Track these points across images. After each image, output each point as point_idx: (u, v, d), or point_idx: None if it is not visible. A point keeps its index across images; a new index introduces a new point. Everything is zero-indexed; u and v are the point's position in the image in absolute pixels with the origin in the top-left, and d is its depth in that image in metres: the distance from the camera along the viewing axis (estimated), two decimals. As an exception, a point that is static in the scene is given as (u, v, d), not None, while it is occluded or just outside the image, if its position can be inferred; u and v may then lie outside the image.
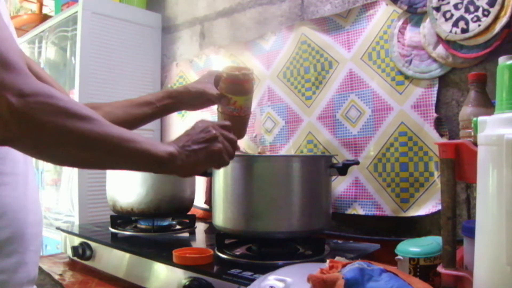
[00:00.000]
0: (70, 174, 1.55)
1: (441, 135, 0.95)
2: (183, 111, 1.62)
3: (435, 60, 0.96)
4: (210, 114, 1.48)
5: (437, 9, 0.93)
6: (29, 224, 0.64)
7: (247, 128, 0.91)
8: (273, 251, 0.84)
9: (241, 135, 0.89)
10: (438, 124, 0.96)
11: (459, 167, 0.61)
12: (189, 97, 0.87)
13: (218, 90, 0.86)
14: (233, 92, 0.84)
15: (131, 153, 0.56)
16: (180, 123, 1.64)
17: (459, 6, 0.90)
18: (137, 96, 0.88)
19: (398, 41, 1.01)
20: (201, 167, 0.66)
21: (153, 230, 1.08)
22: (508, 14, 0.83)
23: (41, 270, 0.97)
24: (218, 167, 0.70)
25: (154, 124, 1.69)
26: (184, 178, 1.15)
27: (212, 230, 1.12)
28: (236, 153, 0.72)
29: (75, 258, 1.03)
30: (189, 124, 1.59)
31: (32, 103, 0.45)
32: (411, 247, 0.72)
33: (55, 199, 1.66)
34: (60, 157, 0.53)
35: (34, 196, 0.67)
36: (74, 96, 1.52)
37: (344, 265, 0.51)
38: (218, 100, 0.86)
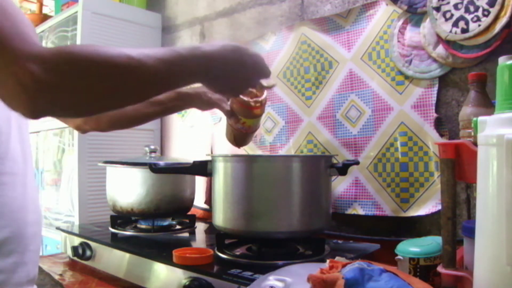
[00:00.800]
0: (70, 174, 1.55)
1: (441, 135, 0.95)
2: (183, 112, 1.62)
3: (435, 60, 0.96)
4: (210, 113, 1.48)
5: (437, 9, 0.93)
6: (29, 223, 0.64)
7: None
8: (273, 251, 0.84)
9: (243, 145, 0.93)
10: (438, 124, 0.96)
11: (459, 167, 0.61)
12: (200, 103, 0.89)
13: (230, 106, 0.87)
14: (243, 115, 0.85)
15: (172, 75, 0.56)
16: (180, 122, 1.64)
17: (459, 6, 0.90)
18: None
19: (398, 41, 1.01)
20: (235, 81, 0.66)
21: (153, 230, 1.08)
22: (508, 14, 0.83)
23: (41, 270, 0.97)
24: (262, 77, 0.70)
25: (154, 124, 1.69)
26: (184, 178, 1.15)
27: (212, 230, 1.12)
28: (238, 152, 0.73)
29: (75, 258, 1.03)
30: (189, 124, 1.59)
31: (54, 67, 0.44)
32: (411, 247, 0.72)
33: (55, 199, 1.66)
34: (94, 108, 0.52)
35: (33, 196, 0.67)
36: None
37: (344, 265, 0.51)
38: (229, 116, 0.87)
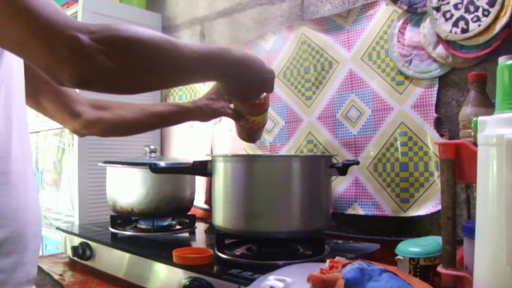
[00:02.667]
0: (70, 174, 1.55)
1: (441, 135, 0.95)
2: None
3: (435, 60, 0.96)
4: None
5: (437, 9, 0.93)
6: (29, 223, 0.64)
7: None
8: (273, 251, 0.84)
9: (258, 139, 0.92)
10: (438, 124, 0.96)
11: (459, 167, 0.61)
12: (201, 115, 0.90)
13: (234, 106, 0.86)
14: (251, 114, 0.85)
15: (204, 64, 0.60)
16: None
17: (459, 6, 0.90)
18: (137, 97, 0.89)
19: (398, 41, 1.01)
20: (252, 78, 0.69)
21: (153, 230, 1.08)
22: (508, 14, 0.83)
23: (41, 270, 0.97)
24: (263, 90, 0.73)
25: (154, 124, 1.69)
26: (184, 178, 1.15)
27: (212, 230, 1.12)
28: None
29: (75, 258, 1.03)
30: (189, 124, 1.59)
31: (101, 37, 0.47)
32: (411, 247, 0.72)
33: (55, 199, 1.66)
34: (131, 82, 0.55)
35: (33, 195, 0.67)
36: (74, 96, 1.52)
37: (344, 265, 0.51)
38: (238, 119, 0.87)
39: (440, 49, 0.94)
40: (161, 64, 0.54)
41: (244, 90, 0.70)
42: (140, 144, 1.51)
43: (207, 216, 1.44)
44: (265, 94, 0.84)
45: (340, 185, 1.12)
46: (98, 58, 0.47)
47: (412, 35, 0.99)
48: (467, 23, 0.89)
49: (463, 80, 0.93)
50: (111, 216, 1.10)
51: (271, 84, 0.72)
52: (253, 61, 0.67)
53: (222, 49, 0.63)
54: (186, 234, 1.10)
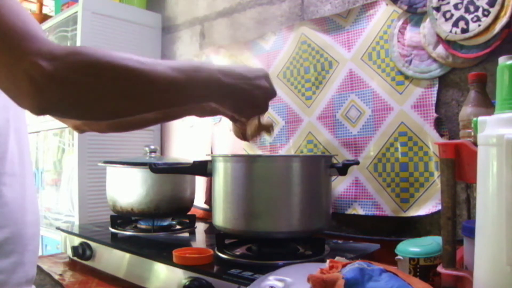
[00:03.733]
0: (70, 174, 1.55)
1: (441, 135, 0.95)
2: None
3: (435, 60, 0.96)
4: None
5: (437, 9, 0.93)
6: (28, 224, 0.64)
7: None
8: (273, 251, 0.84)
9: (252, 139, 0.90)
10: (438, 124, 0.96)
11: (459, 167, 0.61)
12: (202, 111, 0.88)
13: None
14: (252, 131, 0.85)
15: (179, 88, 0.55)
16: (180, 122, 1.64)
17: (459, 6, 0.90)
18: None
19: (398, 41, 1.01)
20: (245, 99, 0.65)
21: (153, 230, 1.08)
22: (508, 14, 0.83)
23: (41, 270, 0.98)
24: (259, 110, 0.70)
25: (154, 124, 1.69)
26: (184, 178, 1.15)
27: (212, 230, 1.12)
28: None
29: (75, 258, 1.03)
30: (189, 124, 1.59)
31: (63, 64, 0.44)
32: (411, 247, 0.72)
33: (55, 199, 1.66)
34: (102, 111, 0.52)
35: (32, 196, 0.67)
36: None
37: (344, 265, 0.51)
38: (235, 122, 0.86)
39: (440, 49, 0.94)
40: (133, 89, 0.50)
41: (245, 110, 0.66)
42: (140, 144, 1.51)
43: (207, 216, 1.44)
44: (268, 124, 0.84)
45: (340, 185, 1.12)
46: (58, 89, 0.44)
47: (412, 35, 0.99)
48: (467, 23, 0.89)
49: (463, 80, 0.93)
50: (111, 216, 1.10)
51: (267, 102, 0.67)
52: (255, 77, 0.64)
53: (214, 71, 0.58)
54: (186, 234, 1.10)
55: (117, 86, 0.49)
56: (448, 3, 0.92)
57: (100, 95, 0.48)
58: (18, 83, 0.43)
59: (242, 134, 0.88)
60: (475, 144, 0.52)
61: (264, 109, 0.68)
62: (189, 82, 0.56)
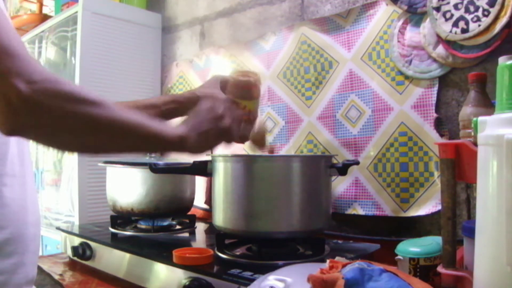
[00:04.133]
0: (70, 174, 1.55)
1: (441, 135, 0.95)
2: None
3: (435, 60, 0.96)
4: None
5: (437, 9, 0.93)
6: (29, 224, 0.64)
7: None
8: (273, 251, 0.84)
9: (248, 136, 0.90)
10: (438, 124, 0.96)
11: (459, 167, 0.61)
12: (195, 104, 0.87)
13: (226, 95, 0.86)
14: (242, 97, 0.84)
15: (142, 136, 0.56)
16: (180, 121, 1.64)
17: (459, 6, 0.90)
18: (137, 96, 0.88)
19: (398, 41, 1.01)
20: (211, 146, 0.67)
21: (153, 230, 1.08)
22: (508, 14, 0.83)
23: (41, 270, 0.97)
24: (229, 142, 0.70)
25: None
26: (184, 178, 1.15)
27: (212, 230, 1.12)
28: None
29: (75, 258, 1.03)
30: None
31: (41, 89, 0.44)
32: (411, 247, 0.72)
33: (55, 199, 1.66)
34: (70, 144, 0.53)
35: (33, 196, 0.67)
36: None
37: (344, 265, 0.51)
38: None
39: (440, 49, 0.94)
40: (102, 131, 0.51)
41: (206, 147, 0.67)
42: (140, 144, 1.51)
43: (207, 216, 1.43)
44: (255, 75, 0.83)
45: (340, 185, 1.12)
46: (32, 113, 0.44)
47: (412, 35, 0.99)
48: (467, 23, 0.89)
49: (463, 80, 0.93)
50: (111, 216, 1.10)
51: (228, 133, 0.67)
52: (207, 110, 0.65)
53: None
54: (186, 234, 1.10)
55: (91, 121, 0.49)
56: (448, 3, 0.92)
57: (71, 127, 0.49)
58: None
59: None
60: (475, 144, 0.52)
61: (231, 141, 0.69)
62: (156, 135, 0.58)
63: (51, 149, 0.56)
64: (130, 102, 0.86)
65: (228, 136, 0.67)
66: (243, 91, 0.83)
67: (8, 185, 0.61)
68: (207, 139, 0.65)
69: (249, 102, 0.84)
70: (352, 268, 0.49)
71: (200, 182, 1.37)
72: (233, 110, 0.69)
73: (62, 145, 0.53)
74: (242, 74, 0.84)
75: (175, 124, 0.63)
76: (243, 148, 1.36)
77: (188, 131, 0.63)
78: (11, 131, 0.46)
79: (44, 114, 0.45)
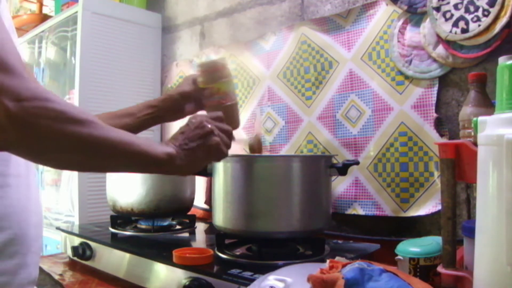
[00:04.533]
0: (70, 174, 1.55)
1: (441, 135, 0.95)
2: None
3: (435, 60, 0.96)
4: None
5: (437, 9, 0.93)
6: (32, 225, 0.64)
7: (239, 117, 0.90)
8: (273, 251, 0.84)
9: (236, 124, 0.86)
10: (438, 124, 0.96)
11: (459, 167, 0.61)
12: (171, 103, 0.85)
13: (198, 85, 0.84)
14: (212, 80, 0.83)
15: (130, 155, 0.56)
16: (180, 122, 1.64)
17: (459, 6, 0.90)
18: (137, 96, 0.88)
19: (398, 41, 1.01)
20: (201, 164, 0.66)
21: (153, 230, 1.08)
22: (508, 14, 0.83)
23: (41, 270, 0.97)
24: (218, 160, 0.70)
25: (154, 124, 1.69)
26: (184, 178, 1.15)
27: (212, 230, 1.12)
28: (233, 143, 0.72)
29: (75, 258, 1.03)
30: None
31: (29, 107, 0.44)
32: (411, 247, 0.72)
33: (55, 199, 1.66)
34: (58, 162, 0.53)
35: (36, 197, 0.67)
36: (74, 96, 1.52)
37: (344, 265, 0.51)
38: (201, 94, 0.84)
39: (440, 49, 0.94)
40: (94, 145, 0.51)
41: (194, 165, 0.66)
42: (140, 144, 1.51)
43: (207, 216, 1.44)
44: (221, 59, 0.83)
45: (340, 185, 1.12)
46: (17, 131, 0.44)
47: (412, 35, 0.99)
48: (467, 23, 0.89)
49: (463, 80, 0.93)
50: (111, 216, 1.10)
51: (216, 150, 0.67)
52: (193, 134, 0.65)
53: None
54: (186, 234, 1.10)
55: (78, 141, 0.49)
56: (448, 3, 0.92)
57: (58, 146, 0.48)
58: None
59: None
60: (475, 144, 0.52)
61: (221, 158, 0.69)
62: (144, 153, 0.57)
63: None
64: (108, 113, 0.85)
65: (217, 153, 0.67)
66: (210, 74, 0.82)
67: (13, 186, 0.61)
68: (195, 156, 0.64)
69: (221, 84, 0.83)
70: (352, 268, 0.49)
71: (200, 182, 1.37)
72: (221, 127, 0.68)
73: (50, 162, 0.53)
74: (209, 61, 0.84)
75: (163, 143, 0.63)
76: (243, 148, 1.36)
77: (176, 149, 0.62)
78: None
79: (31, 133, 0.45)
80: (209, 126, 0.66)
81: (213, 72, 0.83)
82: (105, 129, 0.52)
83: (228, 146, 0.69)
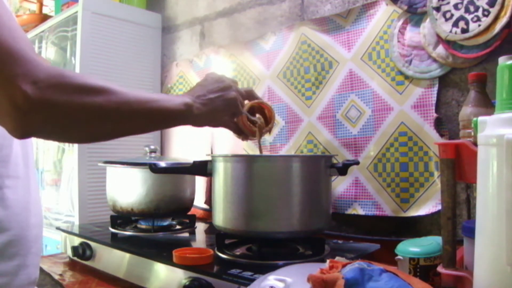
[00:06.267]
0: (70, 174, 1.55)
1: (441, 135, 0.95)
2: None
3: (435, 60, 0.96)
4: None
5: (437, 9, 0.93)
6: (31, 226, 0.64)
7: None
8: (273, 251, 0.84)
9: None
10: (438, 124, 0.96)
11: (459, 167, 0.61)
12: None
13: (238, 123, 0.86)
14: (249, 134, 0.86)
15: (151, 113, 0.57)
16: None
17: (459, 6, 0.90)
18: None
19: (398, 41, 1.01)
20: (218, 115, 0.68)
21: (153, 230, 1.08)
22: (508, 14, 0.83)
23: (41, 270, 0.97)
24: (233, 116, 0.71)
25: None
26: (185, 178, 1.15)
27: (212, 230, 1.12)
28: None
29: (75, 258, 1.03)
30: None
31: (47, 87, 0.45)
32: (411, 247, 0.72)
33: (55, 199, 1.66)
34: (84, 134, 0.54)
35: (36, 198, 0.67)
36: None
37: (344, 265, 0.51)
38: (238, 134, 0.87)
39: (440, 49, 0.94)
40: (114, 113, 0.52)
41: (211, 116, 0.67)
42: (140, 144, 1.51)
43: (207, 216, 1.44)
44: (266, 127, 0.84)
45: (340, 185, 1.12)
46: (41, 113, 0.45)
47: (412, 35, 0.99)
48: (467, 23, 0.89)
49: (463, 80, 0.93)
50: (111, 216, 1.10)
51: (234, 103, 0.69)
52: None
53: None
54: (186, 234, 1.10)
55: (99, 110, 0.50)
56: (448, 3, 0.92)
57: (82, 118, 0.49)
58: (1, 108, 0.44)
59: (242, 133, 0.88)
60: (475, 144, 0.52)
61: (237, 113, 0.71)
62: (162, 107, 0.59)
63: (54, 146, 0.56)
64: None
65: (234, 107, 0.69)
66: (247, 131, 0.85)
67: (12, 187, 0.61)
68: (213, 107, 0.65)
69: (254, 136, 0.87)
70: (352, 268, 0.49)
71: (200, 182, 1.37)
72: (237, 85, 0.70)
73: (74, 138, 0.55)
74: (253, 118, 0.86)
75: (181, 95, 0.65)
76: (243, 148, 1.36)
77: (194, 98, 0.63)
78: (24, 134, 0.46)
79: (53, 111, 0.46)
80: (228, 81, 0.68)
81: (250, 132, 0.85)
82: (123, 93, 0.53)
83: (243, 106, 0.72)
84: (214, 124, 0.70)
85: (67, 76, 0.47)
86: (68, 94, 0.47)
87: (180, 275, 0.75)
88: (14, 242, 0.60)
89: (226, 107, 0.67)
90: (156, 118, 0.59)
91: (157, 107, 0.58)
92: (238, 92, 0.70)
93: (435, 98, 0.96)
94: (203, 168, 0.89)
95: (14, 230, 0.60)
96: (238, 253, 0.84)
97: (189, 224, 1.16)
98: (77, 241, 1.04)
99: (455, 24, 0.90)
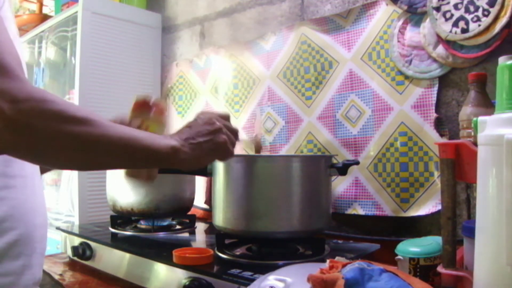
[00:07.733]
0: (70, 174, 1.55)
1: (441, 135, 0.95)
2: (182, 111, 1.62)
3: (435, 60, 0.96)
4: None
5: (437, 9, 0.93)
6: (37, 226, 0.64)
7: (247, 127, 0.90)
8: (273, 251, 0.84)
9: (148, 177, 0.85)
10: (438, 124, 0.96)
11: (459, 167, 0.61)
12: None
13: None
14: (141, 115, 0.80)
15: (133, 152, 0.54)
16: (180, 123, 1.64)
17: (459, 6, 0.90)
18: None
19: (398, 41, 1.01)
20: (205, 160, 0.65)
21: (153, 230, 1.08)
22: (508, 14, 0.83)
23: (41, 270, 0.98)
24: (223, 159, 0.68)
25: (154, 124, 1.69)
26: (184, 178, 1.15)
27: (212, 230, 1.12)
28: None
29: (75, 258, 1.03)
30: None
31: (25, 109, 0.43)
32: (411, 247, 0.72)
33: (55, 199, 1.66)
34: (58, 162, 0.52)
35: (40, 198, 0.67)
36: (74, 96, 1.52)
37: (344, 265, 0.51)
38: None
39: (440, 49, 0.94)
40: (91, 146, 0.49)
41: (198, 160, 0.64)
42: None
43: (207, 216, 1.44)
44: (157, 100, 0.80)
45: (340, 185, 1.12)
46: (14, 133, 0.43)
47: (412, 35, 0.99)
48: (467, 23, 0.89)
49: (463, 80, 0.93)
50: (111, 216, 1.10)
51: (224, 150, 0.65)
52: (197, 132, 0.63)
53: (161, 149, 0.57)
54: (186, 234, 1.10)
55: (76, 141, 0.48)
56: (448, 3, 0.92)
57: (57, 146, 0.47)
58: None
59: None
60: (475, 144, 0.52)
61: (226, 157, 0.67)
62: (147, 147, 0.55)
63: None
64: None
65: (224, 152, 0.65)
66: (142, 109, 0.80)
67: (18, 187, 0.60)
68: (201, 151, 0.62)
69: (152, 125, 0.81)
70: (352, 268, 0.49)
71: (200, 182, 1.37)
72: (229, 127, 0.67)
73: (49, 163, 0.52)
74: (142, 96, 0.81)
75: (167, 136, 0.61)
76: (243, 149, 1.36)
77: (182, 142, 0.60)
78: None
79: (27, 134, 0.44)
80: (218, 123, 0.65)
81: (144, 108, 0.80)
82: (105, 126, 0.50)
83: (234, 146, 0.68)
84: (201, 166, 0.67)
85: (49, 101, 0.45)
86: (45, 120, 0.45)
87: (180, 275, 0.75)
88: (20, 241, 0.60)
89: (214, 151, 0.64)
90: (138, 157, 0.55)
91: (140, 146, 0.54)
92: (228, 133, 0.66)
93: (435, 98, 0.96)
94: (203, 168, 0.89)
95: (20, 230, 0.60)
96: (238, 253, 0.84)
97: (189, 224, 1.16)
98: (77, 241, 1.04)
99: (455, 24, 0.90)
